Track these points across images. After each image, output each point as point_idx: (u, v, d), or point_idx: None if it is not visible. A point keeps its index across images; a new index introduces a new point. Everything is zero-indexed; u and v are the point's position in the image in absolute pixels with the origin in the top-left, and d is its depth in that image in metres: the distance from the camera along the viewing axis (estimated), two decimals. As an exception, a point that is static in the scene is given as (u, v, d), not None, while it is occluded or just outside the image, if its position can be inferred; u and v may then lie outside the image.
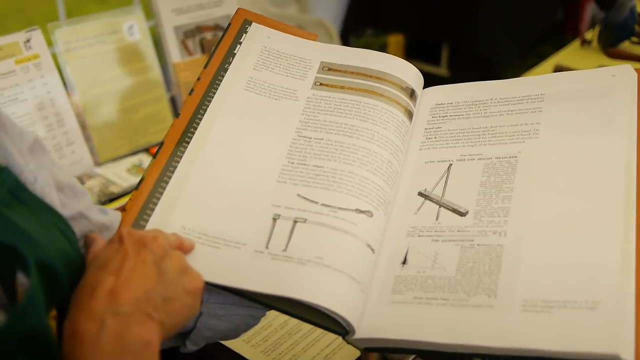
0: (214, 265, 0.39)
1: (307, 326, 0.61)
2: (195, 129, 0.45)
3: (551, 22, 2.13)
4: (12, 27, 0.86)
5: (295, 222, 0.41)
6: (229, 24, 0.51)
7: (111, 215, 0.42)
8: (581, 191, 0.41)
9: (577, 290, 0.37)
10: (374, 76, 0.49)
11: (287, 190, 0.43)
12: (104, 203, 0.83)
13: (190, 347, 0.42)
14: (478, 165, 0.45)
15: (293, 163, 0.45)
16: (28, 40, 0.86)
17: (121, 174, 0.90)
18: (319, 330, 0.60)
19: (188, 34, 1.01)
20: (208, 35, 1.03)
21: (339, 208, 0.42)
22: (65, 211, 0.38)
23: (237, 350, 0.58)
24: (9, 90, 0.82)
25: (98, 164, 0.91)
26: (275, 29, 0.52)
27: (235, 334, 0.43)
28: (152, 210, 0.42)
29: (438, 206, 0.44)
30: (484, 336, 0.37)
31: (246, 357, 0.58)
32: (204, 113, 0.46)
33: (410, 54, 1.96)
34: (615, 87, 0.46)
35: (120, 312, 0.30)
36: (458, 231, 0.42)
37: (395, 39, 1.96)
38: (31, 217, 0.32)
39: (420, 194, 0.46)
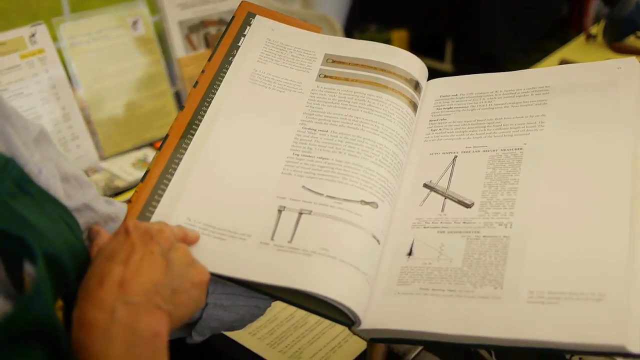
0: (220, 256, 0.40)
1: (313, 319, 0.61)
2: (200, 121, 0.46)
3: (555, 18, 2.11)
4: (16, 23, 0.86)
5: (300, 213, 0.41)
6: (233, 17, 0.51)
7: (117, 207, 0.42)
8: (587, 183, 0.41)
9: (583, 282, 0.37)
10: (378, 68, 0.49)
11: (292, 182, 0.43)
12: (108, 197, 0.83)
13: (197, 337, 0.42)
14: (483, 157, 0.45)
15: (298, 155, 0.45)
16: (33, 35, 0.86)
17: (126, 168, 0.90)
18: (325, 324, 0.61)
19: (192, 28, 1.01)
20: (212, 30, 1.03)
21: (344, 200, 0.42)
22: (70, 202, 0.38)
23: (243, 343, 0.58)
24: (14, 84, 0.83)
25: (103, 158, 0.91)
26: (279, 21, 0.52)
27: (241, 324, 0.44)
28: (158, 202, 0.42)
29: (443, 198, 0.44)
30: (490, 327, 0.37)
31: (252, 349, 0.58)
32: (209, 106, 0.46)
33: (413, 50, 1.93)
34: (621, 79, 0.46)
35: (131, 302, 0.30)
36: (464, 223, 0.42)
37: (399, 35, 1.96)
38: (36, 209, 0.32)
39: (425, 185, 0.46)
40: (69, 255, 0.32)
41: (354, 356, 0.56)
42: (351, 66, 0.50)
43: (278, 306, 0.56)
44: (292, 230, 0.41)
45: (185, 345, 0.42)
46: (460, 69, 1.86)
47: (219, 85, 0.47)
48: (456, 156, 0.46)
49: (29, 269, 0.29)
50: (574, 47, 1.15)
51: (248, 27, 0.51)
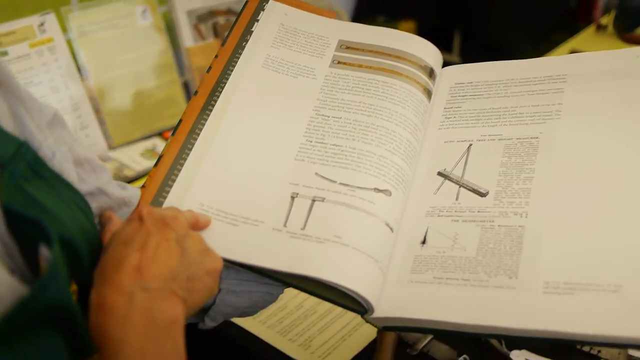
0: (232, 242, 0.39)
1: (322, 308, 0.61)
2: (213, 106, 0.45)
3: (564, 10, 2.09)
4: (25, 12, 0.86)
5: (313, 200, 0.41)
6: (247, 1, 0.50)
7: (130, 191, 0.42)
8: (604, 173, 0.41)
9: (599, 273, 0.36)
10: (392, 55, 0.48)
11: (305, 168, 0.43)
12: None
13: (209, 323, 0.42)
14: (498, 145, 0.45)
15: (311, 142, 0.44)
16: (42, 24, 0.86)
17: (135, 158, 0.90)
18: (335, 312, 0.61)
19: (201, 18, 1.01)
20: (221, 20, 1.02)
21: (358, 187, 0.41)
22: (84, 186, 0.38)
23: (253, 332, 0.59)
24: (24, 73, 0.83)
25: (112, 147, 0.91)
26: (292, 6, 0.51)
27: (253, 310, 0.44)
28: (171, 187, 0.42)
29: (458, 186, 0.44)
30: (505, 317, 0.36)
31: (262, 338, 0.58)
32: (222, 91, 0.46)
33: (421, 42, 1.92)
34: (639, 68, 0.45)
35: (148, 288, 0.30)
36: (478, 211, 0.42)
37: (407, 26, 1.94)
38: (51, 193, 0.32)
39: (439, 173, 0.45)
40: (82, 240, 0.32)
41: (364, 345, 0.56)
42: (365, 53, 0.49)
43: (287, 295, 0.56)
44: (305, 217, 0.40)
45: (195, 334, 0.42)
46: (468, 60, 1.83)
47: (232, 71, 0.47)
48: (471, 144, 0.46)
49: (44, 252, 0.29)
50: (584, 37, 1.14)
51: (262, 12, 0.50)
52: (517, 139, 0.45)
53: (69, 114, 0.87)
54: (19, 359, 0.25)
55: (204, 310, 0.41)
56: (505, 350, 0.53)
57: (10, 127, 0.33)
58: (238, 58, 0.48)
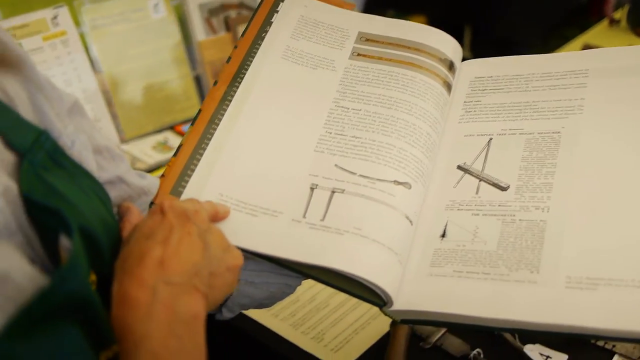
0: (251, 232, 0.39)
1: (335, 301, 0.61)
2: (233, 97, 0.45)
3: (575, 5, 2.07)
4: (38, 5, 0.86)
5: (333, 192, 0.41)
6: (266, -8, 0.50)
7: (149, 180, 0.41)
8: (627, 168, 0.40)
9: (623, 269, 0.36)
10: (412, 47, 0.48)
11: (325, 160, 0.43)
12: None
13: (227, 314, 0.42)
14: (519, 140, 0.44)
15: (331, 133, 0.44)
16: (55, 17, 0.86)
17: (147, 151, 0.91)
18: (348, 305, 0.61)
19: (213, 12, 1.00)
20: (233, 13, 1.02)
21: (377, 179, 0.41)
22: (103, 174, 0.38)
23: (265, 324, 0.59)
24: (37, 66, 0.83)
25: (124, 141, 0.91)
26: None
27: (271, 302, 0.43)
28: (190, 176, 0.42)
29: (478, 180, 0.44)
30: (526, 311, 0.36)
31: (275, 330, 0.58)
32: (241, 81, 0.46)
33: (430, 37, 1.90)
34: None
35: (171, 282, 0.30)
36: (499, 206, 0.41)
37: (417, 21, 1.92)
38: (70, 182, 0.32)
39: (459, 167, 0.45)
40: (102, 230, 0.32)
41: (377, 338, 0.56)
42: (385, 45, 0.49)
43: (300, 288, 0.55)
44: (324, 208, 0.40)
45: (208, 326, 0.42)
46: (479, 56, 1.82)
47: (251, 61, 0.47)
48: (491, 138, 0.46)
49: (65, 242, 0.28)
50: (597, 32, 1.13)
51: (281, 4, 0.50)
52: (538, 133, 0.44)
53: (82, 106, 0.87)
54: (39, 350, 0.25)
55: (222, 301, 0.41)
56: (519, 344, 0.52)
57: (29, 115, 0.33)
58: (257, 49, 0.48)
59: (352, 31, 0.50)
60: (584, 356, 0.51)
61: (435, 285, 0.39)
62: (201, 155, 0.43)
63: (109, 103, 0.91)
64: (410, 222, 0.41)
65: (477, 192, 0.43)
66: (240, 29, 1.02)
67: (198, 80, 1.00)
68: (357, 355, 0.54)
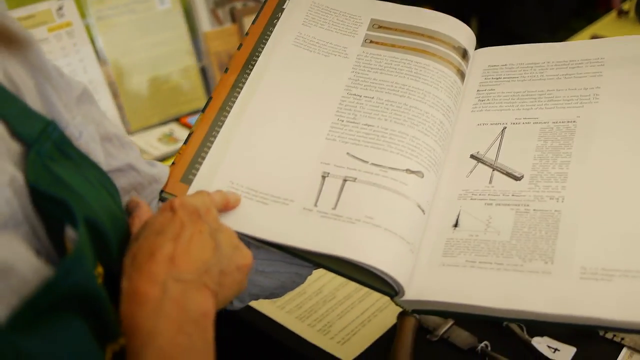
0: (262, 221, 0.39)
1: (342, 293, 0.61)
2: (244, 84, 0.45)
3: (583, -4, 2.05)
4: (43, -4, 0.86)
5: (344, 180, 0.40)
6: (278, -21, 0.50)
7: (159, 168, 0.41)
8: None
9: (639, 259, 0.35)
10: (425, 35, 0.47)
11: (337, 148, 0.42)
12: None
13: (237, 304, 0.41)
14: (534, 129, 0.44)
15: (343, 121, 0.44)
16: (60, 8, 0.86)
17: (152, 143, 0.90)
18: (354, 298, 0.60)
19: (218, 3, 1.00)
20: (238, 5, 1.02)
21: (390, 168, 0.41)
22: (113, 162, 0.37)
23: (271, 316, 0.58)
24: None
25: (129, 133, 0.91)
26: None
27: (281, 292, 0.43)
28: (201, 164, 0.41)
29: (491, 169, 0.43)
30: (540, 302, 0.36)
31: (281, 323, 0.58)
32: (252, 68, 0.45)
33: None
34: None
35: (182, 280, 0.29)
36: (513, 195, 0.41)
37: (424, 14, 1.91)
38: (77, 173, 0.32)
39: (472, 156, 0.44)
40: (109, 221, 0.31)
41: (384, 330, 0.56)
42: (398, 32, 0.48)
43: (307, 280, 0.55)
44: (336, 197, 0.40)
45: (217, 319, 0.42)
46: (486, 47, 1.80)
47: (262, 49, 0.46)
48: (505, 127, 0.45)
49: (70, 233, 0.28)
50: (605, 23, 1.11)
51: None
52: (553, 122, 0.44)
53: (88, 97, 0.87)
54: (43, 343, 0.24)
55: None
56: (526, 336, 0.52)
57: (37, 105, 0.32)
58: (269, 36, 0.47)
59: (364, 18, 0.49)
60: (593, 349, 0.51)
61: (447, 276, 0.38)
62: (212, 143, 0.42)
63: (115, 94, 0.90)
64: (423, 211, 0.41)
65: (490, 182, 0.42)
66: (246, 20, 1.01)
67: (204, 72, 1.00)
68: (364, 347, 0.54)
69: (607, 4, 2.06)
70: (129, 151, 0.39)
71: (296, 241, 0.38)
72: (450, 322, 0.54)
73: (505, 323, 0.53)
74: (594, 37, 1.00)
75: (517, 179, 0.42)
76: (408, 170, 0.41)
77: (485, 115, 0.46)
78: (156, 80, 0.95)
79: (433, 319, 0.55)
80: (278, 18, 0.48)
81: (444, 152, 0.44)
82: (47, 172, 0.30)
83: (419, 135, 0.42)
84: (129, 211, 0.36)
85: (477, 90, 0.48)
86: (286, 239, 0.38)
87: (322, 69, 0.46)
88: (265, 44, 0.47)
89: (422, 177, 0.41)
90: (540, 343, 0.52)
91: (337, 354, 0.53)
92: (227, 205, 0.38)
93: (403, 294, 0.38)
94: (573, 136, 0.42)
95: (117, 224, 0.33)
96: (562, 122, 0.43)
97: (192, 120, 0.94)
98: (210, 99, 0.44)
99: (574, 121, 0.43)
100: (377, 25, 0.49)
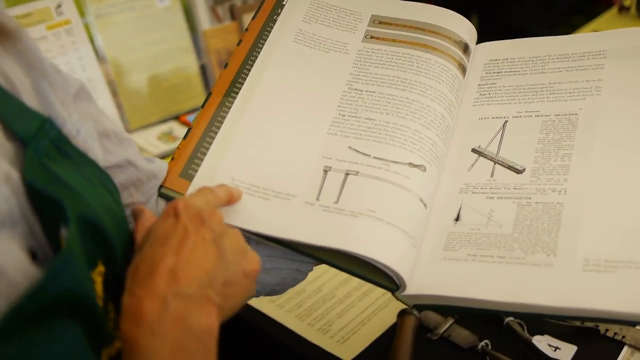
0: (264, 216, 0.39)
1: (341, 292, 0.61)
2: (244, 79, 0.44)
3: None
4: (41, -6, 0.85)
5: (346, 174, 0.40)
6: (277, -25, 0.49)
7: (158, 164, 0.41)
8: None
9: None
10: (426, 29, 0.47)
11: (338, 142, 0.42)
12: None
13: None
14: (536, 122, 0.44)
15: (344, 115, 0.43)
16: (59, 6, 0.85)
17: (152, 141, 0.90)
18: (354, 296, 0.60)
19: (218, 0, 1.00)
20: (238, 2, 1.01)
21: (392, 161, 0.41)
22: (112, 158, 0.37)
23: (271, 315, 0.58)
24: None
25: (129, 131, 0.91)
26: None
27: (282, 288, 0.43)
28: (201, 160, 0.41)
29: (493, 163, 0.43)
30: (543, 295, 0.35)
31: (280, 321, 0.57)
32: (252, 64, 0.45)
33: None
34: None
35: (182, 294, 0.28)
36: (514, 189, 0.41)
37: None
38: (75, 171, 0.31)
39: (474, 150, 0.44)
40: (109, 219, 0.31)
41: (384, 329, 0.55)
42: (398, 27, 0.48)
43: (306, 279, 0.55)
44: (338, 190, 0.40)
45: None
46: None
47: (262, 45, 0.46)
48: (506, 121, 0.45)
49: (65, 233, 0.27)
50: (606, 19, 1.11)
51: None
52: (555, 115, 0.44)
53: (87, 95, 0.86)
54: (32, 350, 0.23)
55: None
56: (527, 335, 0.52)
57: (33, 103, 0.32)
58: (269, 32, 0.47)
59: (365, 14, 0.49)
60: (593, 347, 0.51)
61: (449, 269, 0.38)
62: (212, 138, 0.42)
63: (114, 93, 0.90)
64: (425, 205, 0.41)
65: (491, 175, 0.42)
66: (246, 17, 1.01)
67: (203, 70, 1.00)
68: (364, 346, 0.53)
69: (608, 0, 2.06)
70: (127, 147, 0.39)
71: (299, 236, 0.38)
72: (451, 321, 0.54)
73: (505, 322, 0.53)
74: (595, 33, 0.99)
75: (518, 172, 0.42)
76: (410, 164, 0.41)
77: (487, 109, 0.46)
78: (155, 79, 0.95)
79: (433, 318, 0.55)
80: (278, 14, 0.48)
81: (445, 146, 0.44)
82: (44, 171, 0.29)
83: (421, 128, 0.42)
84: (134, 219, 0.35)
85: (479, 85, 0.48)
86: (289, 233, 0.38)
87: (323, 65, 0.46)
88: (265, 40, 0.47)
89: (425, 170, 0.41)
90: (541, 341, 0.51)
91: (336, 353, 0.53)
92: (231, 199, 0.38)
93: (404, 288, 0.38)
94: (575, 129, 0.42)
95: (116, 221, 0.32)
96: (564, 114, 0.43)
97: (191, 118, 0.93)
98: (209, 94, 0.44)
99: (576, 114, 0.43)
100: (378, 20, 0.49)
